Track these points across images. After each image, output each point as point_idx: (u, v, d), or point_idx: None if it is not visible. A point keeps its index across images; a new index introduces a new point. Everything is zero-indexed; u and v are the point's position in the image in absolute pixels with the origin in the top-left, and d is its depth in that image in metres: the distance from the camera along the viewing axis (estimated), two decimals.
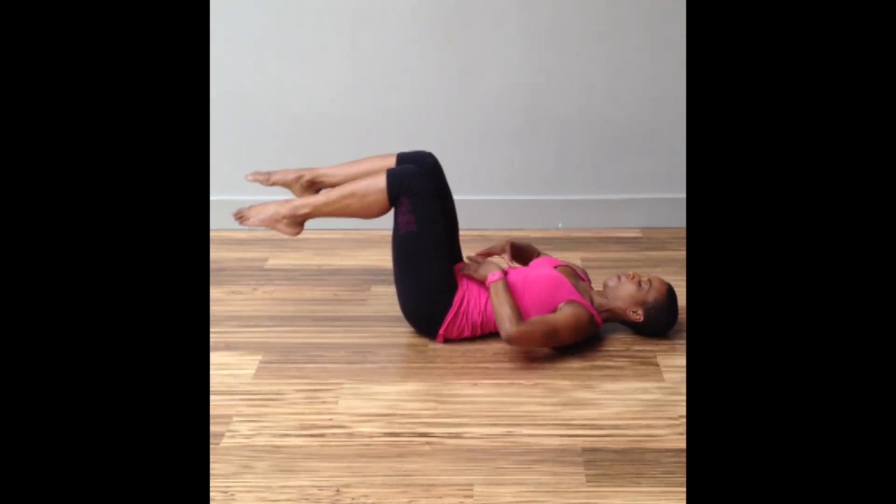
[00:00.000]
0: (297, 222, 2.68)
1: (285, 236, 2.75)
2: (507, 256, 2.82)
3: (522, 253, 2.88)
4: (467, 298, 2.61)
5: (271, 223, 2.67)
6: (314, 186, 2.78)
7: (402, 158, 2.73)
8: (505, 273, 2.58)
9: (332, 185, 2.75)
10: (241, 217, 2.70)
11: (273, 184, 2.78)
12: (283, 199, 2.70)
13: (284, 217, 2.66)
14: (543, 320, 2.52)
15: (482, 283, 2.60)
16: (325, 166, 2.80)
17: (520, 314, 2.51)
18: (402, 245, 2.60)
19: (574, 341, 2.58)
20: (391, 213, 2.63)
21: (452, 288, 2.62)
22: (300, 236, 3.42)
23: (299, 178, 2.76)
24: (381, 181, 2.57)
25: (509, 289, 2.56)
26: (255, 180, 2.78)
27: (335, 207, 2.62)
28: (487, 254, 2.79)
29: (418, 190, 2.56)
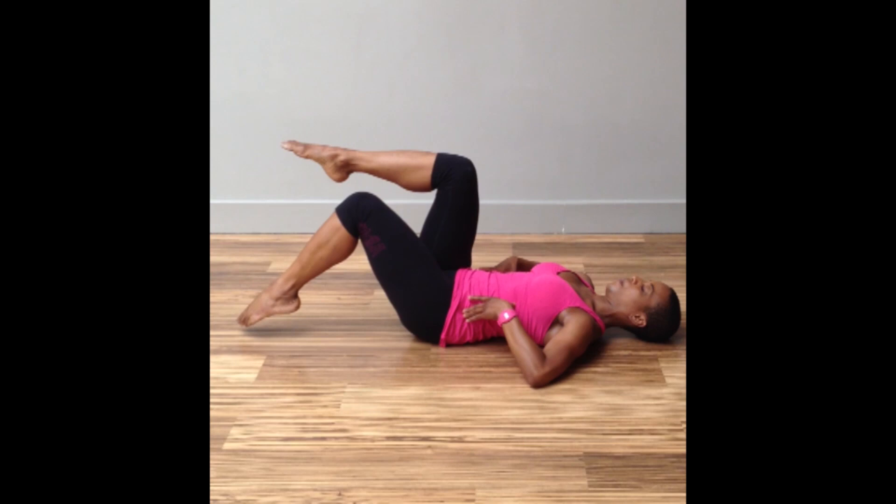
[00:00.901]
0: (289, 297, 2.72)
1: (287, 315, 2.79)
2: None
3: (527, 270, 2.88)
4: (467, 303, 2.61)
5: (269, 311, 2.72)
6: (347, 168, 2.76)
7: (443, 158, 2.71)
8: (513, 307, 2.56)
9: (365, 170, 2.75)
10: (243, 320, 2.75)
11: (307, 157, 2.76)
12: (268, 286, 2.76)
13: (276, 299, 2.71)
14: (559, 349, 2.49)
15: (494, 322, 2.57)
16: (363, 151, 2.78)
17: (539, 352, 2.48)
18: (381, 266, 2.63)
19: (584, 350, 2.58)
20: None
21: (446, 291, 2.62)
22: (303, 239, 3.42)
23: (334, 156, 2.74)
24: (334, 221, 2.61)
25: (522, 326, 2.53)
26: (292, 149, 2.75)
27: (311, 266, 2.67)
28: (497, 272, 2.76)
29: (370, 210, 2.59)
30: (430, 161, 2.70)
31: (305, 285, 2.74)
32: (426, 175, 2.69)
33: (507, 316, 2.53)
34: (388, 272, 2.63)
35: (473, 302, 2.59)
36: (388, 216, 2.62)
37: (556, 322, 2.57)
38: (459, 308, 2.61)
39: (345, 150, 2.75)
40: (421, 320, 2.65)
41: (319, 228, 2.66)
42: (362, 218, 2.59)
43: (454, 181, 2.68)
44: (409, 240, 2.62)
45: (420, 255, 2.62)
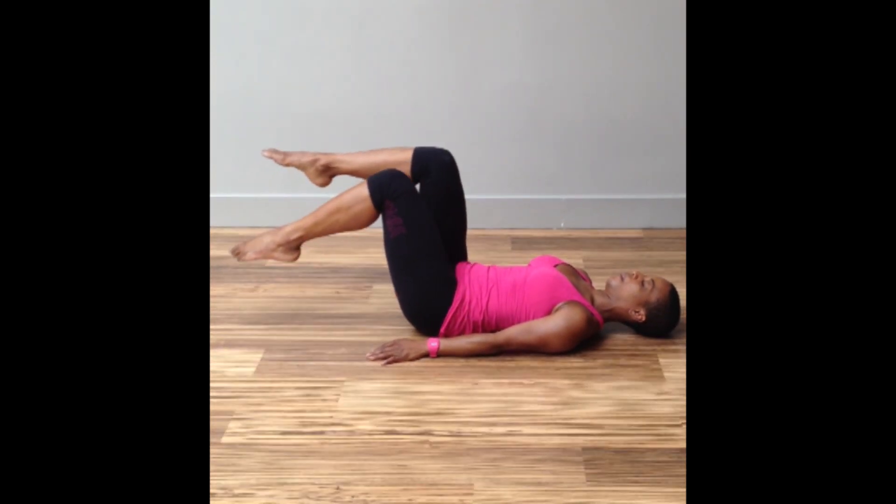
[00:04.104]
0: (292, 247, 2.70)
1: (284, 264, 2.74)
2: None
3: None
4: (468, 297, 2.61)
5: (267, 254, 2.70)
6: (328, 172, 2.79)
7: (420, 152, 2.73)
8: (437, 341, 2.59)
9: (347, 172, 2.77)
10: (237, 253, 2.72)
11: (288, 164, 2.79)
12: (274, 229, 2.72)
13: (279, 245, 2.69)
14: (523, 330, 2.57)
15: (419, 357, 2.59)
16: (342, 153, 2.80)
17: (485, 335, 2.58)
18: (395, 248, 2.61)
19: (572, 345, 2.58)
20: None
21: (451, 286, 2.62)
22: None
23: (315, 161, 2.77)
24: (363, 190, 2.60)
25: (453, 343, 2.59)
26: (271, 157, 2.79)
27: (325, 225, 2.66)
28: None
29: (401, 192, 2.58)
30: (408, 156, 2.71)
31: (305, 274, 2.73)
32: (405, 171, 2.69)
33: (434, 344, 2.58)
34: (401, 257, 2.61)
35: (377, 356, 2.58)
36: (417, 202, 2.61)
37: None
38: (461, 303, 2.61)
39: (324, 154, 2.78)
40: (423, 312, 2.64)
41: (345, 192, 2.63)
42: (392, 196, 2.57)
43: (434, 173, 2.69)
44: (430, 231, 2.61)
45: (435, 249, 2.62)
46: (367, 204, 2.59)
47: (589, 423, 2.27)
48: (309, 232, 2.67)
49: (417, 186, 2.73)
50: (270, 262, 3.27)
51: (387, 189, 2.58)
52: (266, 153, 2.79)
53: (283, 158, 2.79)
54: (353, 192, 2.62)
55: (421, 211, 2.60)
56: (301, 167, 2.79)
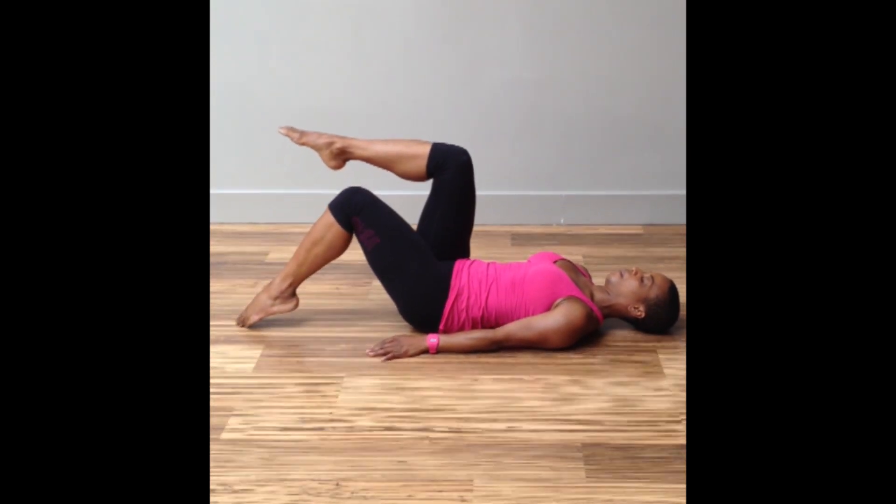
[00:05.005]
0: (288, 295, 2.72)
1: (288, 312, 2.78)
2: None
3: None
4: (466, 293, 2.61)
5: (268, 310, 2.73)
6: (343, 156, 2.76)
7: (438, 149, 2.70)
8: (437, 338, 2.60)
9: (361, 158, 2.75)
10: (242, 321, 2.75)
11: (303, 143, 2.76)
12: (265, 286, 2.76)
13: (275, 299, 2.71)
14: (522, 326, 2.58)
15: (418, 353, 2.59)
16: (360, 139, 2.77)
17: (485, 331, 2.59)
18: (377, 259, 2.62)
19: (572, 341, 2.58)
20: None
21: (443, 282, 2.61)
22: (302, 230, 3.42)
23: (330, 144, 2.73)
24: (328, 217, 2.61)
25: (452, 339, 2.60)
26: (288, 135, 2.76)
27: (308, 263, 2.67)
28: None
29: (362, 205, 2.59)
30: (426, 150, 2.69)
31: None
32: (421, 165, 2.68)
33: (433, 340, 2.58)
34: (385, 265, 2.62)
35: (376, 352, 2.59)
36: (380, 209, 2.62)
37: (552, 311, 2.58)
38: (458, 298, 2.61)
39: (341, 137, 2.75)
40: (419, 311, 2.64)
41: (313, 226, 2.65)
42: (355, 212, 2.59)
43: (450, 171, 2.68)
44: (404, 232, 2.62)
45: (415, 247, 2.62)
46: (336, 228, 2.60)
47: (589, 420, 2.27)
48: (296, 275, 2.69)
49: (430, 182, 2.72)
50: (270, 258, 3.28)
51: (348, 207, 2.59)
52: (283, 130, 2.76)
53: (299, 137, 2.75)
54: (319, 222, 2.64)
55: (387, 216, 2.62)
56: (316, 148, 2.76)
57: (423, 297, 2.62)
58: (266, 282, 3.06)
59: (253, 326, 2.74)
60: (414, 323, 2.69)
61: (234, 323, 2.77)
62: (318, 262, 2.67)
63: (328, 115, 3.45)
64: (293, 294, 2.73)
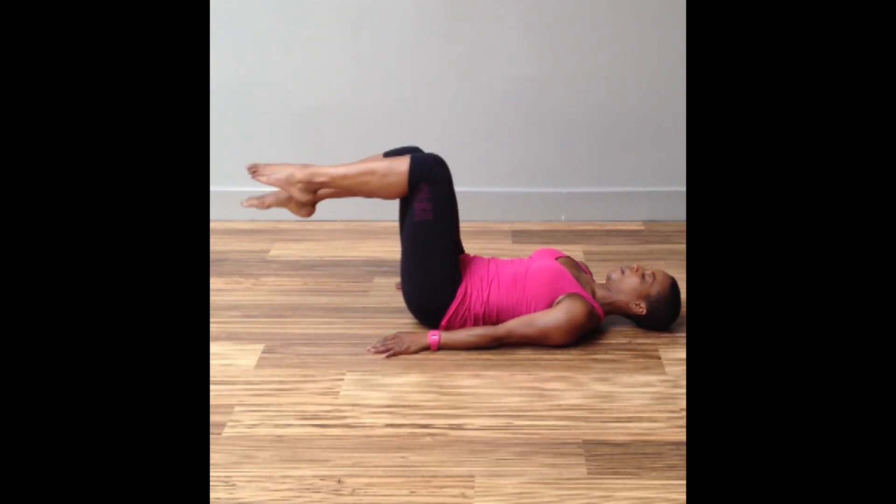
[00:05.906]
0: (311, 191, 2.60)
1: (294, 215, 2.64)
2: None
3: None
4: (470, 290, 2.61)
5: (285, 185, 2.59)
6: (310, 188, 2.61)
7: (415, 163, 2.56)
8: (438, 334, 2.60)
9: (332, 186, 2.61)
10: (254, 171, 2.62)
11: (269, 206, 2.69)
12: (301, 164, 2.63)
13: (299, 181, 2.58)
14: (524, 322, 2.58)
15: (420, 350, 2.59)
16: (325, 174, 2.60)
17: (485, 328, 2.59)
18: (416, 232, 2.57)
19: (573, 338, 2.58)
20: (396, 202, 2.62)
21: (456, 281, 2.62)
22: (303, 226, 3.42)
23: (290, 178, 2.60)
24: (403, 164, 2.53)
25: (454, 336, 2.60)
26: (251, 206, 2.70)
27: (352, 182, 2.56)
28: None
29: (439, 178, 2.54)
30: (404, 166, 2.53)
31: (305, 266, 2.71)
32: (402, 180, 2.54)
33: (435, 337, 2.58)
34: (420, 242, 2.58)
35: (378, 349, 2.59)
36: (450, 192, 2.58)
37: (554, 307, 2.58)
38: (464, 298, 2.60)
39: (302, 166, 2.61)
40: (427, 305, 2.63)
41: (385, 158, 2.57)
42: (428, 181, 2.53)
43: (437, 183, 2.54)
44: (453, 224, 2.61)
45: (451, 244, 2.61)
46: (402, 178, 2.52)
47: (590, 416, 2.28)
48: (334, 181, 2.57)
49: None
50: (271, 255, 3.27)
51: (427, 171, 2.52)
52: (245, 204, 2.68)
53: (260, 202, 2.68)
54: (392, 161, 2.54)
55: (452, 203, 2.59)
56: (280, 203, 2.68)
57: (435, 293, 2.61)
58: (270, 278, 3.07)
59: (257, 202, 2.63)
60: (418, 315, 2.69)
61: (235, 320, 2.77)
62: (362, 190, 2.57)
63: (328, 112, 3.46)
64: (315, 194, 2.62)
